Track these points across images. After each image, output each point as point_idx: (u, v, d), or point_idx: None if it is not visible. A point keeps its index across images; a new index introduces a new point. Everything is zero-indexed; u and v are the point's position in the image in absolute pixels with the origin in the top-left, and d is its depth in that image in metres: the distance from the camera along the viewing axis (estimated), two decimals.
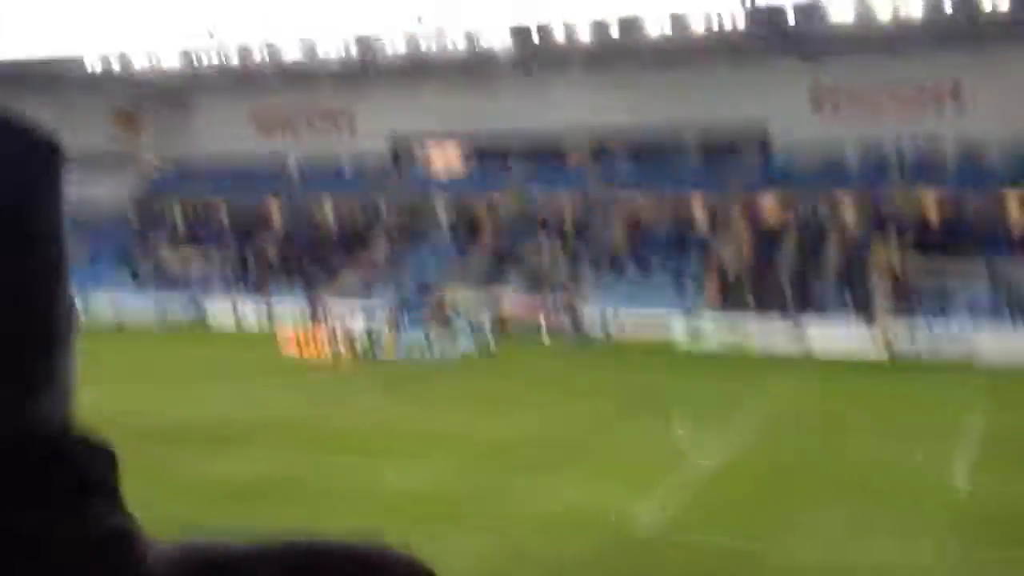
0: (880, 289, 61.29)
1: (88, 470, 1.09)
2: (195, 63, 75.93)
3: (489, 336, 54.73)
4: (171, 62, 74.25)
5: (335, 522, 24.23)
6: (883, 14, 59.50)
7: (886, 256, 63.90)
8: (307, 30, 70.03)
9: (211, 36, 72.56)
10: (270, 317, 66.57)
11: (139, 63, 75.93)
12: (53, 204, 1.02)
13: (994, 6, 58.51)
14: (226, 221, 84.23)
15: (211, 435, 34.08)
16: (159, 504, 24.86)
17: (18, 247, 1.00)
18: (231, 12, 68.82)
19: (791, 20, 62.14)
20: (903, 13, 59.26)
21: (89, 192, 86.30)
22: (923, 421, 35.72)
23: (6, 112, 1.03)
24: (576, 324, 62.58)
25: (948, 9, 58.78)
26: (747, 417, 36.77)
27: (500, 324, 60.87)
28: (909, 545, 22.95)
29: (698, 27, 62.83)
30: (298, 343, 53.33)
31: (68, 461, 1.08)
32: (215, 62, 75.82)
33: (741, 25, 62.57)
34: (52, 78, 79.73)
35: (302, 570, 1.06)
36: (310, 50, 72.42)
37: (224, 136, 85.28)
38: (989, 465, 29.55)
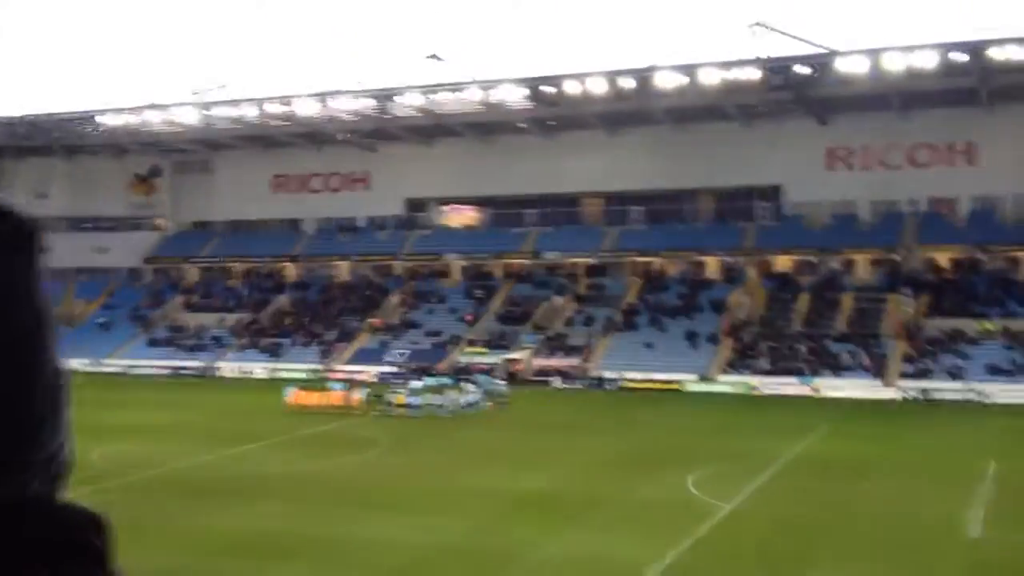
0: (894, 346, 60.99)
1: (72, 533, 1.11)
2: (213, 123, 77.08)
3: (502, 390, 54.57)
4: (189, 121, 75.18)
5: None
6: (895, 67, 59.85)
7: (900, 314, 63.70)
8: (324, 86, 71.01)
9: (224, 87, 73.76)
10: (284, 374, 66.57)
11: (157, 122, 77.01)
12: (32, 282, 1.10)
13: (1007, 62, 58.98)
14: (241, 281, 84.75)
15: (221, 488, 33.95)
16: (168, 555, 24.74)
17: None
18: (247, 70, 70.07)
19: (804, 76, 62.72)
20: (915, 66, 59.60)
21: (105, 254, 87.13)
22: (938, 470, 35.41)
23: None
24: (587, 379, 62.45)
25: (960, 64, 59.21)
26: (761, 463, 36.48)
27: (512, 378, 60.76)
28: None
29: (712, 81, 63.31)
30: (311, 399, 53.23)
31: (52, 525, 1.11)
32: (233, 124, 76.98)
33: (755, 79, 63.12)
34: (71, 143, 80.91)
35: None
36: (327, 109, 73.40)
37: (242, 197, 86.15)
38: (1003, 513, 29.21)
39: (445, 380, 58.92)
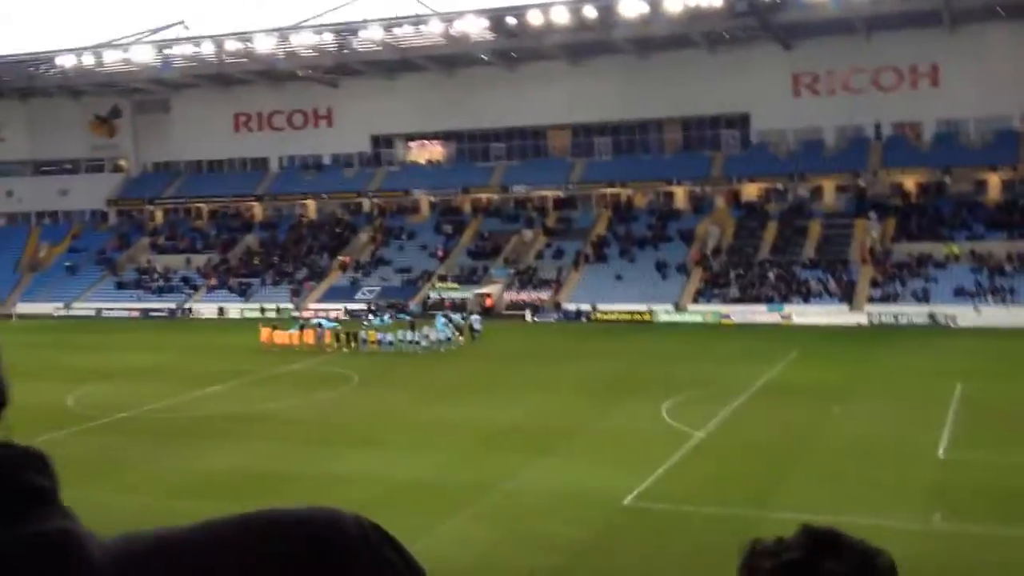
0: (862, 272, 61.52)
1: (21, 478, 1.09)
2: (172, 62, 75.69)
3: (474, 324, 54.67)
4: (147, 60, 73.69)
5: None
6: None
7: (867, 239, 64.14)
8: (283, 22, 69.82)
9: (186, 27, 72.31)
10: (256, 313, 66.34)
11: (114, 62, 75.46)
12: None
13: None
14: (207, 221, 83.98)
15: (194, 429, 33.95)
16: (143, 496, 24.77)
17: None
18: (204, 7, 68.65)
19: (768, 1, 62.29)
20: None
21: (68, 197, 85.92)
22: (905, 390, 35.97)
23: None
24: (558, 312, 62.71)
25: None
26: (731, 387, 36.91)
27: (484, 313, 60.86)
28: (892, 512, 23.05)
29: (676, 9, 62.62)
30: (282, 337, 53.17)
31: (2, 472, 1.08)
32: (192, 62, 75.62)
33: (719, 5, 62.56)
34: (25, 84, 79.27)
35: (249, 541, 1.02)
36: (287, 46, 72.22)
37: (204, 137, 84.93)
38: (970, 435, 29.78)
39: (416, 316, 58.95)
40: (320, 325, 55.24)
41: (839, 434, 30.89)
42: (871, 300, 58.70)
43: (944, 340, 50.10)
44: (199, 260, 77.73)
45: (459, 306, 63.64)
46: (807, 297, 59.89)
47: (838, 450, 28.94)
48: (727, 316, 59.17)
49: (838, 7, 61.59)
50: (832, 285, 60.48)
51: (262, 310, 66.82)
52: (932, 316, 55.43)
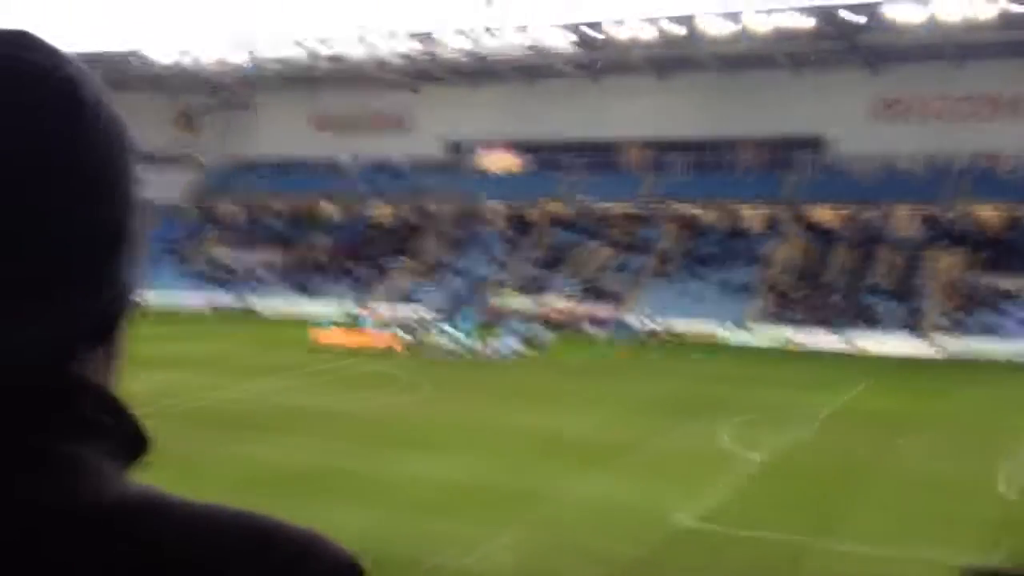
0: (935, 302, 60.26)
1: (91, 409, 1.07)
2: (258, 62, 76.96)
3: (538, 335, 54.61)
4: (234, 60, 74.95)
5: (371, 513, 24.26)
6: (950, 16, 58.27)
7: (942, 269, 62.83)
8: (367, 27, 70.57)
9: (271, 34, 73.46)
10: (321, 311, 67.04)
11: (202, 60, 76.98)
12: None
13: None
14: (281, 219, 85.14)
15: (256, 423, 34.34)
16: (201, 485, 25.17)
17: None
18: (292, 8, 69.75)
19: (855, 24, 61.36)
20: (970, 16, 57.97)
21: (146, 190, 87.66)
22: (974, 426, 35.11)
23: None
24: (623, 328, 62.36)
25: (1017, 14, 57.64)
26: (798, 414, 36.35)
27: (549, 324, 60.77)
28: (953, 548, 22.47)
29: (760, 28, 61.96)
30: (348, 337, 53.67)
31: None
32: (277, 63, 76.82)
33: (805, 26, 61.79)
34: (116, 76, 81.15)
35: (244, 538, 1.01)
36: (370, 50, 72.97)
37: (283, 136, 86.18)
38: None
39: (481, 323, 59.04)
40: (386, 326, 55.69)
41: (902, 466, 30.24)
42: (943, 331, 57.44)
43: (1016, 376, 48.81)
44: (269, 256, 78.78)
45: (523, 316, 63.58)
46: (877, 325, 58.81)
47: (900, 482, 28.34)
48: (793, 340, 58.32)
49: (927, 31, 60.42)
50: (903, 314, 59.31)
51: (327, 310, 67.46)
52: (1006, 350, 54.06)
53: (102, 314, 1.11)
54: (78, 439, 1.05)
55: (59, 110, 1.03)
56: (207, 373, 43.33)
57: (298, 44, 73.80)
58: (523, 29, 67.99)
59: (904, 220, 68.72)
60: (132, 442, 1.15)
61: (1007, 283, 60.50)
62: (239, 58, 76.16)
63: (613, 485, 27.59)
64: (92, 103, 1.07)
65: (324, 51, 73.88)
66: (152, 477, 1.10)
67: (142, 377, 39.58)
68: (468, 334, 53.32)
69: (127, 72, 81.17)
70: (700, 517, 24.87)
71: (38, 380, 1.04)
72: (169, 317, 66.78)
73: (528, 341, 53.28)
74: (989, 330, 56.77)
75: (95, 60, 79.02)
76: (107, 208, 1.06)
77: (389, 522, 23.50)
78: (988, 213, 66.93)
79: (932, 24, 59.26)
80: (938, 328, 57.64)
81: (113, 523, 1.00)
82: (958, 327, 57.43)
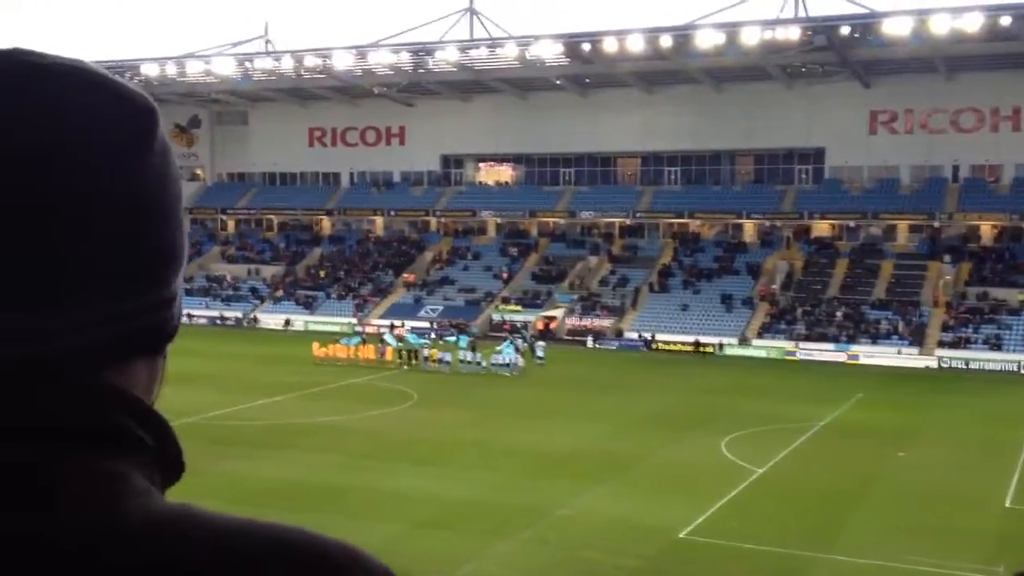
0: (933, 315, 60.29)
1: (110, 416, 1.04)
2: (252, 75, 77.01)
3: (535, 348, 54.52)
4: (228, 73, 74.92)
5: (377, 528, 24.18)
6: (941, 29, 58.45)
7: (940, 280, 62.89)
8: (361, 40, 70.67)
9: (267, 41, 73.54)
10: (319, 326, 66.94)
11: (198, 73, 76.96)
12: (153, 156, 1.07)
13: None
14: (277, 233, 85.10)
15: (253, 437, 34.27)
16: (198, 501, 25.18)
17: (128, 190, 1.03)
18: (285, 22, 69.86)
19: (847, 37, 61.48)
20: (960, 29, 58.13)
21: None
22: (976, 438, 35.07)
23: (109, 77, 1.09)
24: (620, 340, 62.34)
25: (1007, 27, 57.82)
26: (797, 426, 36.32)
27: (546, 337, 60.70)
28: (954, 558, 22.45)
29: (752, 41, 61.94)
30: (344, 352, 53.58)
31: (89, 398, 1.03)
32: (271, 76, 76.86)
33: (797, 39, 61.87)
34: None
35: (286, 554, 1.01)
36: (364, 63, 73.06)
37: (278, 150, 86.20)
38: None
39: (479, 337, 58.98)
40: (383, 341, 55.63)
41: (903, 479, 30.21)
42: (941, 344, 57.47)
43: (1015, 388, 48.83)
44: (267, 271, 78.75)
45: (520, 329, 63.55)
46: (875, 337, 58.83)
47: (901, 495, 28.31)
48: (792, 352, 58.33)
49: (918, 44, 60.59)
50: (902, 327, 59.35)
51: (325, 324, 67.36)
52: (1004, 362, 54.10)
53: (149, 328, 1.11)
54: (118, 453, 1.04)
55: (143, 133, 1.09)
56: (207, 388, 43.19)
57: (294, 58, 73.85)
58: (515, 40, 68.08)
59: (901, 232, 68.83)
60: (172, 465, 1.12)
61: (1005, 294, 60.59)
62: (235, 72, 76.18)
63: (612, 498, 27.54)
64: (161, 131, 1.12)
65: (319, 64, 73.93)
66: None
67: None
68: (466, 348, 53.25)
69: None
70: (702, 531, 24.83)
71: (72, 384, 1.03)
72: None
73: (526, 354, 53.19)
74: (988, 342, 56.83)
75: None
76: (164, 228, 1.08)
77: (384, 536, 23.41)
78: (984, 224, 67.07)
79: (922, 37, 59.42)
80: (940, 343, 57.64)
81: (158, 542, 0.98)
82: (959, 341, 57.45)
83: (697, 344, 59.90)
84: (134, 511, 0.99)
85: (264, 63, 75.93)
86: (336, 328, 65.23)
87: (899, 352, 56.89)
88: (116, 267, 1.03)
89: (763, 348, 59.27)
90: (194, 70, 76.94)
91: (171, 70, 76.76)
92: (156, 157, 1.08)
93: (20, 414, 0.99)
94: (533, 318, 65.52)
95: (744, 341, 60.61)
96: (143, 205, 1.06)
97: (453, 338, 57.28)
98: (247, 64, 76.31)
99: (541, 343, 56.51)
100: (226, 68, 75.41)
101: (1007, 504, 27.78)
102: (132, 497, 1.00)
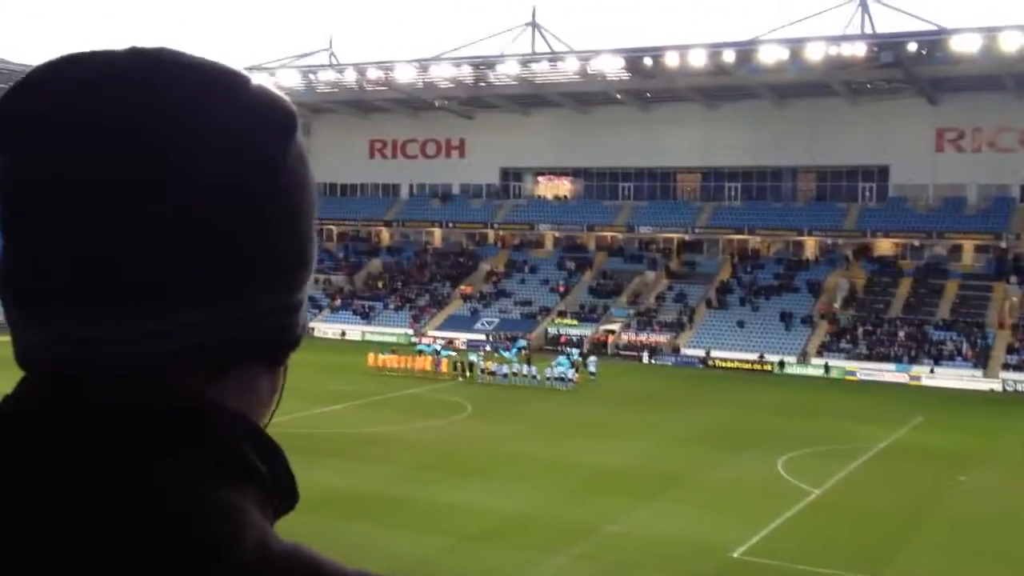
0: (998, 337, 59.05)
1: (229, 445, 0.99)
2: (315, 87, 77.93)
3: (589, 365, 54.30)
4: (292, 84, 75.92)
5: (428, 540, 24.22)
6: (1010, 46, 57.37)
7: (1006, 302, 61.61)
8: (423, 53, 71.14)
9: (331, 54, 74.36)
10: (377, 336, 67.35)
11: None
12: (292, 162, 1.07)
13: None
14: (337, 243, 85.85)
15: (304, 445, 34.44)
16: None
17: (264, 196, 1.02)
18: (350, 35, 70.55)
19: (914, 53, 60.59)
20: None
21: None
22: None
23: (258, 84, 1.11)
24: (676, 356, 61.87)
25: None
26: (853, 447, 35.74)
27: (601, 352, 60.45)
28: None
29: (817, 57, 61.31)
30: (403, 362, 53.86)
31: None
32: (334, 88, 77.72)
33: (863, 55, 61.12)
34: None
35: None
36: (426, 76, 73.53)
37: (340, 161, 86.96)
38: None
39: (534, 351, 58.89)
40: (438, 352, 55.79)
41: (963, 504, 29.55)
42: (1006, 367, 56.24)
43: None
44: (326, 281, 79.42)
45: (576, 343, 63.39)
46: (938, 359, 57.72)
47: (960, 521, 27.68)
48: (852, 372, 57.45)
49: (987, 61, 59.49)
50: (966, 348, 58.18)
51: (382, 335, 67.74)
52: None
53: (273, 334, 1.07)
54: (238, 483, 0.98)
55: (283, 136, 1.08)
56: None
57: (356, 70, 74.58)
58: (576, 55, 68.05)
59: (966, 252, 67.55)
60: (284, 495, 1.04)
61: None
62: (299, 83, 77.13)
63: (665, 516, 27.29)
64: (300, 136, 1.12)
65: (382, 77, 74.59)
66: None
67: None
68: (521, 361, 53.22)
69: None
70: (756, 551, 24.50)
71: (167, 400, 0.98)
72: None
73: (580, 369, 52.99)
74: None
75: None
76: (297, 232, 1.08)
77: (434, 549, 23.44)
78: None
79: (991, 54, 58.33)
80: (1005, 365, 56.43)
81: None
82: (1022, 362, 56.18)
83: (761, 357, 59.29)
84: (251, 546, 0.92)
85: (327, 75, 76.86)
86: (393, 339, 65.62)
87: (964, 374, 55.76)
88: (245, 269, 1.01)
89: (822, 367, 58.44)
90: (259, 81, 77.96)
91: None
92: (293, 159, 1.07)
93: (156, 443, 0.95)
94: (589, 332, 65.34)
95: (803, 359, 59.84)
96: (279, 207, 1.04)
97: (508, 353, 57.25)
98: (311, 76, 77.22)
99: (593, 358, 56.26)
100: (291, 80, 76.38)
101: None
102: (249, 530, 0.94)
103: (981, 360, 57.06)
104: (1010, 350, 57.64)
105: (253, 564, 0.92)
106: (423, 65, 72.75)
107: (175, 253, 0.96)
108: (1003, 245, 65.98)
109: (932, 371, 56.23)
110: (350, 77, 75.89)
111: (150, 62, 1.00)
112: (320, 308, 75.53)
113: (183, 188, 0.96)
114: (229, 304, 1.01)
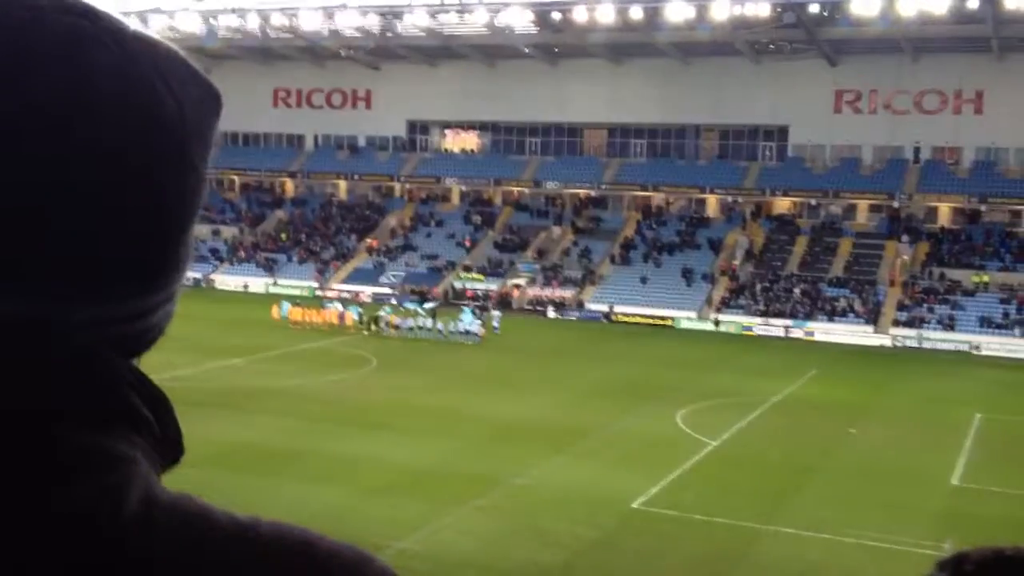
0: (889, 294, 61.03)
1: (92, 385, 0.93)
2: (216, 32, 75.94)
3: (495, 316, 54.61)
4: (192, 29, 73.86)
5: (329, 492, 24.24)
6: (907, 10, 58.83)
7: (897, 260, 63.62)
8: (329, 0, 69.70)
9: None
10: (279, 289, 66.61)
11: (159, 28, 75.84)
12: (208, 142, 1.02)
13: (1020, 11, 58.06)
14: (239, 194, 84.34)
15: (209, 400, 34.07)
16: None
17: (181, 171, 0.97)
18: None
19: (816, 15, 61.75)
20: (927, 11, 58.59)
21: None
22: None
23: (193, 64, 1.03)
24: (580, 311, 62.58)
25: (973, 11, 58.25)
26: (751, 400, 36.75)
27: (506, 306, 60.80)
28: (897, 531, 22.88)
29: (722, 16, 62.05)
30: (304, 315, 53.40)
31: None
32: (236, 34, 75.88)
33: (766, 15, 62.01)
34: None
35: (286, 557, 0.92)
36: (332, 24, 72.23)
37: (242, 110, 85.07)
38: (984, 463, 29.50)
39: (439, 304, 58.96)
40: (342, 305, 55.48)
41: (853, 454, 30.70)
42: (896, 323, 58.24)
43: (967, 368, 49.61)
44: (227, 232, 78.05)
45: (481, 298, 63.62)
46: (832, 315, 59.49)
47: (851, 470, 28.76)
48: (750, 328, 58.87)
49: (886, 26, 60.94)
50: (858, 305, 60.03)
51: (286, 287, 66.98)
52: (958, 343, 54.97)
53: (158, 324, 1.06)
54: (127, 434, 0.95)
55: (211, 121, 1.03)
56: (159, 351, 42.70)
57: (260, 16, 72.88)
58: (485, 7, 67.56)
59: (861, 211, 69.48)
60: (171, 446, 1.04)
61: (960, 276, 61.38)
62: (200, 29, 75.11)
63: (568, 468, 27.76)
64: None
65: (286, 24, 73.08)
66: None
67: None
68: (426, 315, 53.26)
69: None
70: (655, 501, 25.12)
71: (61, 353, 0.92)
72: None
73: (486, 323, 53.25)
74: (942, 322, 57.64)
75: None
76: (190, 221, 1.03)
77: (336, 501, 23.47)
78: (943, 206, 67.83)
79: (889, 18, 59.77)
80: (895, 322, 58.40)
81: (159, 529, 0.91)
82: (914, 320, 58.21)
83: (657, 317, 60.33)
84: (138, 497, 0.91)
85: (230, 20, 74.84)
86: (297, 292, 64.99)
87: (856, 330, 57.60)
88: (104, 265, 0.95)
89: (721, 323, 59.75)
90: (158, 25, 75.68)
91: (133, 25, 75.28)
92: (212, 149, 1.02)
93: (43, 393, 0.90)
94: (496, 287, 65.59)
95: (703, 316, 61.03)
96: (184, 198, 1.00)
97: (413, 305, 57.20)
98: (212, 21, 75.17)
99: (497, 313, 56.56)
100: (191, 24, 74.31)
101: (954, 482, 28.31)
102: (136, 480, 0.92)
103: (872, 316, 58.96)
104: (900, 307, 59.65)
105: (140, 515, 0.89)
106: (328, 12, 71.35)
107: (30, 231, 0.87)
108: (895, 205, 67.99)
109: (828, 326, 57.92)
110: (253, 23, 74.05)
111: (73, 26, 0.90)
112: (222, 260, 74.28)
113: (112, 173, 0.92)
114: (87, 300, 0.93)
